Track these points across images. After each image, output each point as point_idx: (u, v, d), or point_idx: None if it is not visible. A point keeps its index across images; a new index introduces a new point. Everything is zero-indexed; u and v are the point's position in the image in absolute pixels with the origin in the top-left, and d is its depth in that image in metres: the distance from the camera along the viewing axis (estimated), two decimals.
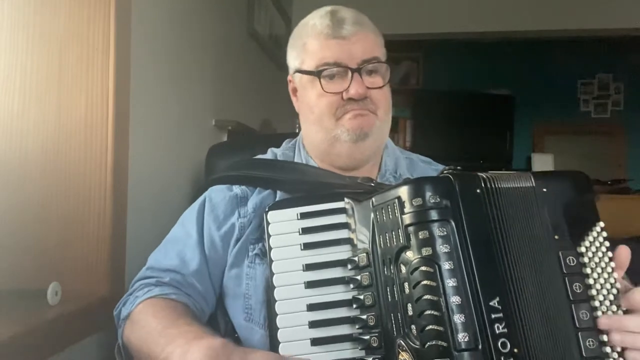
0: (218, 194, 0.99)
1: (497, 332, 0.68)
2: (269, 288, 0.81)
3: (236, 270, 0.93)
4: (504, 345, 0.67)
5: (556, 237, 0.76)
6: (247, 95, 2.39)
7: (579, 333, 0.72)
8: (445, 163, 1.06)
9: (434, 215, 0.72)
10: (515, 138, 4.35)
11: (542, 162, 3.97)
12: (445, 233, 0.71)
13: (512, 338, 0.68)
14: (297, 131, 1.12)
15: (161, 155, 1.51)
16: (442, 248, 0.70)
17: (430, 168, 1.07)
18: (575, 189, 0.80)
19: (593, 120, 4.97)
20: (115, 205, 1.17)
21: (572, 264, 0.74)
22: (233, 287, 0.93)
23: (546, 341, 0.71)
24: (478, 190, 0.74)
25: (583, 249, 0.75)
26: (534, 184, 0.77)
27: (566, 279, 0.74)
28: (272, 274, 0.81)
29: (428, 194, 0.73)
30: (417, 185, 0.75)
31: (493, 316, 0.68)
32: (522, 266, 0.73)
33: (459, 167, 0.79)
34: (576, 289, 0.73)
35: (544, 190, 0.77)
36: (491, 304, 0.69)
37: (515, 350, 0.67)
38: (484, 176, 0.76)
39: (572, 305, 0.73)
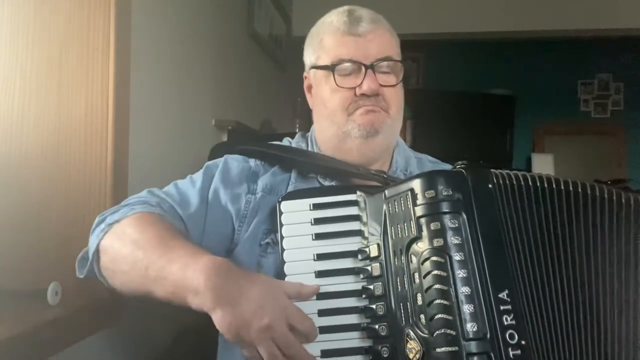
0: (233, 161, 1.00)
1: (506, 323, 0.69)
2: (280, 276, 0.81)
3: (248, 260, 0.93)
4: (511, 336, 0.69)
5: None
6: (247, 95, 2.39)
7: None
8: (445, 163, 1.07)
9: (445, 207, 0.74)
10: (515, 138, 4.33)
11: (542, 162, 3.97)
12: (456, 225, 0.73)
13: (521, 330, 0.69)
14: (296, 131, 1.12)
15: (161, 155, 1.51)
16: (453, 239, 0.72)
17: (439, 167, 1.08)
18: None
19: (593, 120, 4.97)
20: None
21: None
22: None
23: (577, 341, 0.72)
24: (490, 185, 0.76)
25: None
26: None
27: None
28: (283, 262, 0.82)
29: (440, 187, 0.75)
30: (430, 178, 0.76)
31: (502, 308, 0.69)
32: (548, 263, 0.74)
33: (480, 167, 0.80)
34: None
35: None
36: (500, 296, 0.70)
37: (523, 342, 0.69)
38: (497, 172, 0.77)
39: None
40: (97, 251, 0.87)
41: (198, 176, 0.99)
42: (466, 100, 4.21)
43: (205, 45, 1.89)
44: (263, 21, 2.52)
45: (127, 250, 0.83)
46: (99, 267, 0.88)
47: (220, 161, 1.01)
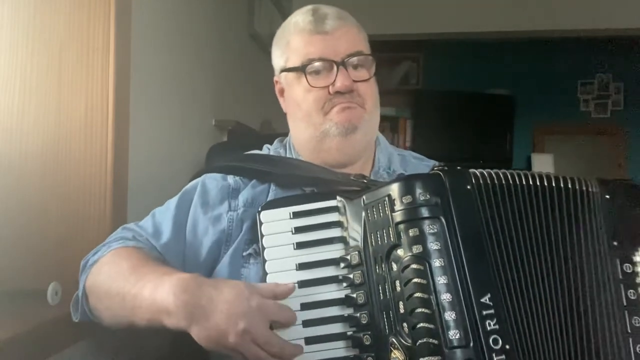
0: (211, 181, 0.99)
1: (489, 328, 0.68)
2: None
3: (231, 271, 0.92)
4: (495, 341, 0.68)
5: (615, 243, 0.77)
6: (247, 95, 2.39)
7: (630, 338, 0.73)
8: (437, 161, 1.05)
9: (424, 212, 0.72)
10: (515, 138, 4.34)
11: (542, 162, 3.98)
12: (435, 230, 0.72)
13: (504, 334, 0.68)
14: None
15: (161, 155, 1.51)
16: (432, 245, 0.71)
17: (422, 164, 1.06)
18: (637, 198, 0.80)
19: (593, 120, 4.97)
20: (115, 205, 1.17)
21: (628, 271, 0.76)
22: None
23: (564, 340, 0.71)
24: (468, 187, 0.75)
25: (638, 258, 0.77)
26: (597, 189, 0.78)
27: (622, 285, 0.75)
28: (265, 273, 0.80)
29: (418, 191, 0.73)
30: (407, 182, 0.75)
31: (484, 313, 0.69)
32: (530, 263, 0.73)
33: (458, 168, 0.78)
34: (631, 296, 0.75)
35: (607, 197, 0.78)
36: (482, 300, 0.69)
37: (507, 346, 0.68)
38: (476, 172, 0.76)
39: (626, 311, 0.74)
40: (84, 294, 0.89)
41: (173, 203, 0.98)
42: (466, 100, 4.21)
43: (205, 45, 1.89)
44: (263, 21, 2.51)
45: (106, 286, 0.85)
46: (89, 308, 0.90)
47: (198, 183, 1.00)
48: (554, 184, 0.78)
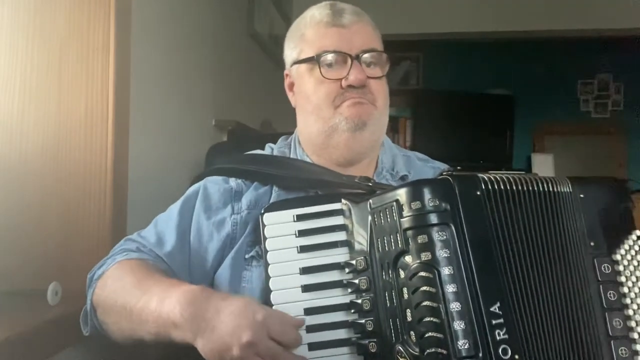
0: (213, 185, 0.97)
1: (498, 338, 0.67)
2: (266, 291, 0.80)
3: (233, 274, 0.91)
4: (504, 351, 0.66)
5: (592, 243, 0.76)
6: (247, 95, 2.39)
7: (612, 341, 0.72)
8: (445, 163, 1.05)
9: (433, 219, 0.71)
10: (515, 138, 4.34)
11: (542, 162, 3.97)
12: (444, 237, 0.70)
13: (513, 344, 0.67)
14: None
15: (161, 155, 1.51)
16: (441, 253, 0.69)
17: (427, 165, 1.05)
18: (614, 196, 0.80)
19: (593, 120, 4.96)
20: (115, 205, 1.17)
21: (607, 272, 0.75)
22: (230, 291, 0.91)
23: (562, 347, 0.71)
24: (478, 192, 0.73)
25: (618, 257, 0.76)
26: (570, 190, 0.78)
27: (601, 286, 0.75)
28: (268, 277, 0.79)
29: (427, 197, 0.71)
30: (416, 188, 0.73)
31: (494, 322, 0.67)
32: (533, 269, 0.72)
33: (459, 167, 0.78)
34: (610, 297, 0.74)
35: (582, 196, 0.78)
36: (492, 309, 0.68)
37: (517, 356, 0.67)
38: (485, 177, 0.75)
39: (606, 313, 0.73)
40: (92, 307, 0.89)
41: (175, 210, 0.96)
42: (466, 101, 4.21)
43: (205, 45, 1.89)
44: (263, 21, 2.51)
45: (111, 301, 0.85)
46: (98, 322, 0.89)
47: (199, 188, 0.98)
48: (551, 189, 0.77)
